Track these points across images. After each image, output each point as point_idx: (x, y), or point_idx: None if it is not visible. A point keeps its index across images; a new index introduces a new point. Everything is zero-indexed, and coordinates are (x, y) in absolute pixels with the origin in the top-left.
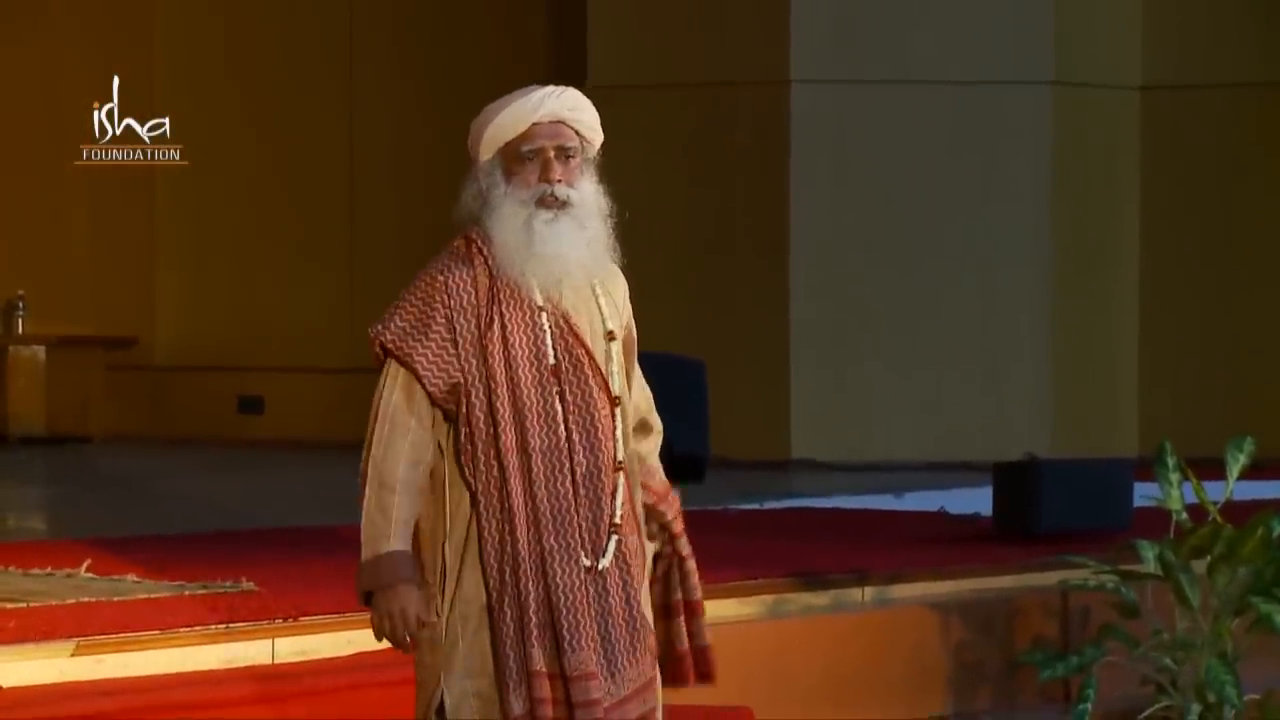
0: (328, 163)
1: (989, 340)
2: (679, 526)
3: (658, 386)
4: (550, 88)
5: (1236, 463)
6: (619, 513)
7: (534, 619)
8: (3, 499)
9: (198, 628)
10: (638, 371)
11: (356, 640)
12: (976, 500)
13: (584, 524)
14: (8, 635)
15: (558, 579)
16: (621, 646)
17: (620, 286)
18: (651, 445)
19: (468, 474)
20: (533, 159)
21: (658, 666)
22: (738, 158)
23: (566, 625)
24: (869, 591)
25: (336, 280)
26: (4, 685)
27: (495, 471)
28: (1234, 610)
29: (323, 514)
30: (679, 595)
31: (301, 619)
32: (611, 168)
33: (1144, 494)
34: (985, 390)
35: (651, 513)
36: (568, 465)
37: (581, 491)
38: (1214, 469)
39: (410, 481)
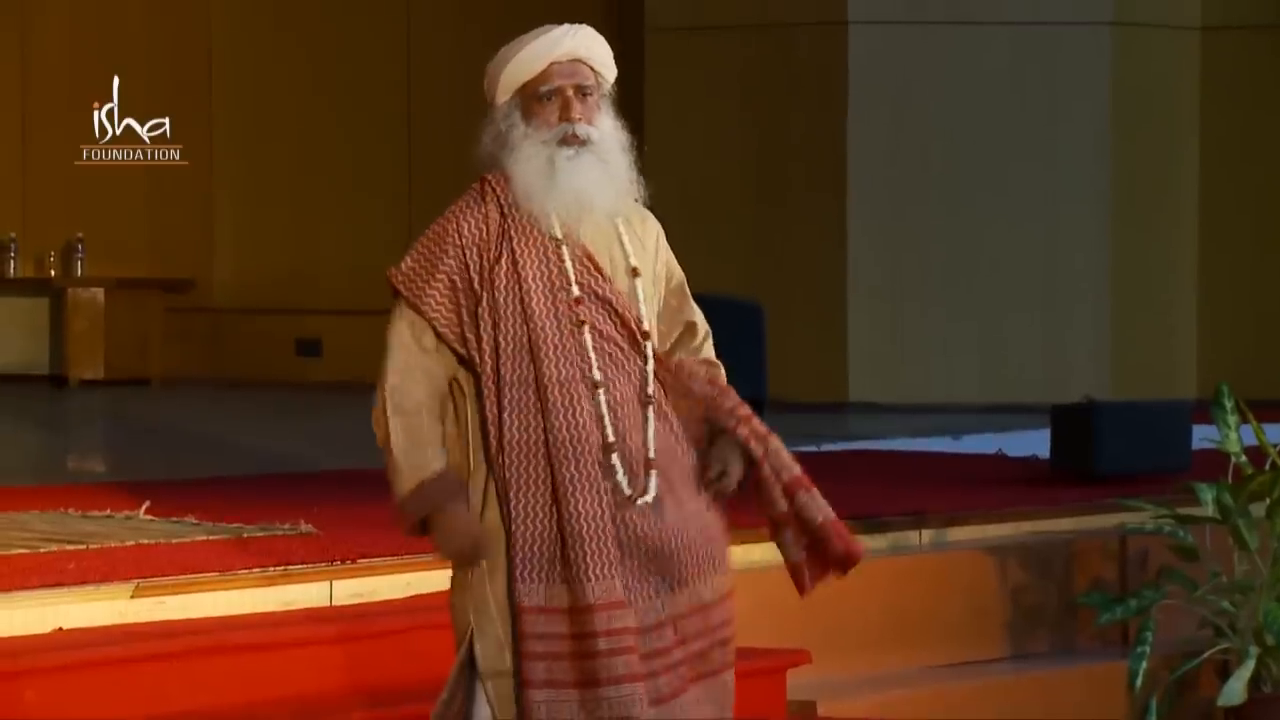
0: (386, 103)
1: (1047, 282)
2: (735, 417)
3: (715, 331)
4: (565, 26)
5: None
6: (652, 447)
7: (546, 552)
8: (62, 441)
9: (256, 570)
10: (694, 310)
11: (415, 583)
12: (1035, 443)
13: (617, 455)
14: (68, 577)
15: (577, 508)
16: (680, 562)
17: (651, 229)
18: (704, 366)
19: (486, 412)
20: (552, 99)
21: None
22: (795, 100)
23: (589, 554)
24: (927, 534)
25: (394, 223)
26: (64, 626)
27: (493, 406)
28: None
29: (381, 457)
30: (784, 475)
31: (359, 561)
32: (669, 110)
33: (1202, 436)
34: (1043, 332)
35: (707, 412)
36: (589, 396)
37: (608, 423)
38: (1273, 411)
39: (431, 408)
